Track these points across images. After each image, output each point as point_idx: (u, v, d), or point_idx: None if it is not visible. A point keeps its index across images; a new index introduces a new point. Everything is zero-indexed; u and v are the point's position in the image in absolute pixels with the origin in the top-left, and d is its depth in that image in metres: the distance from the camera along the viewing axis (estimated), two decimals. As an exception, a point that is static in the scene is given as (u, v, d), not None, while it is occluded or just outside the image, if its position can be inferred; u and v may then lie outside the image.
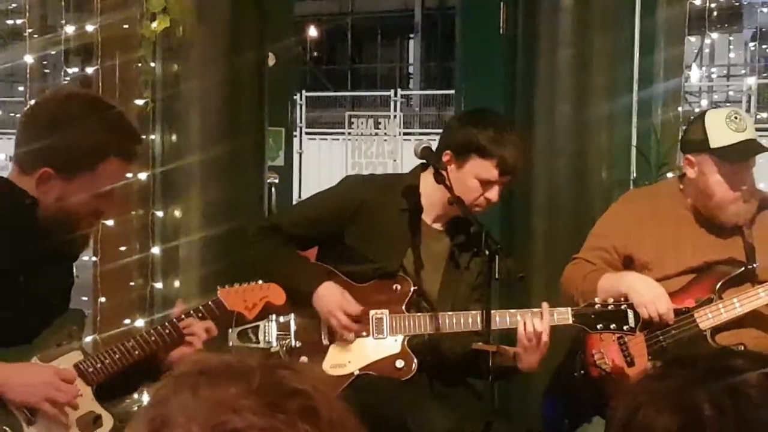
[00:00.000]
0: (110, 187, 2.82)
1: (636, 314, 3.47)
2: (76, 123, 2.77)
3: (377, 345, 3.54)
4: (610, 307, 3.46)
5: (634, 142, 5.43)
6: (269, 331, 3.54)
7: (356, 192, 3.64)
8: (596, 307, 3.47)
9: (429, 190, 3.59)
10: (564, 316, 3.47)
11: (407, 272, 3.58)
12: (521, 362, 3.44)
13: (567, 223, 4.96)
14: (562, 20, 5.12)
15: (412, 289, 3.54)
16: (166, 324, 2.98)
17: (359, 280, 3.58)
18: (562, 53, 5.11)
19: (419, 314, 3.53)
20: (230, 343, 3.49)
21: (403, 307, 3.55)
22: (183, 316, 3.00)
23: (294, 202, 7.32)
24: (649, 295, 3.56)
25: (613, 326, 3.46)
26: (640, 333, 3.62)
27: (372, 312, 3.54)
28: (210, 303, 3.08)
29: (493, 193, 3.53)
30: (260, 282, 3.19)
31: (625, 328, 3.46)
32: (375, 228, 3.57)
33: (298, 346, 3.54)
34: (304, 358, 3.52)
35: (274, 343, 3.53)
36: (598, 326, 3.46)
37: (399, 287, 3.55)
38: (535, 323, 3.40)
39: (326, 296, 3.50)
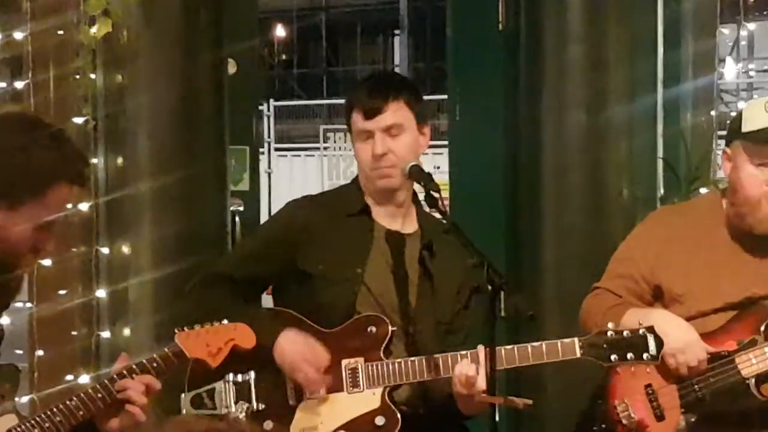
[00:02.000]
0: (54, 217, 2.84)
1: (658, 339, 3.47)
2: (19, 144, 2.80)
3: (352, 400, 3.55)
4: (625, 334, 3.46)
5: (659, 152, 5.46)
6: (227, 394, 3.54)
7: (298, 213, 3.73)
8: (609, 334, 3.47)
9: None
10: (570, 347, 3.48)
11: (371, 285, 3.61)
12: (460, 405, 3.50)
13: (581, 251, 4.97)
14: (572, 12, 5.15)
15: (390, 330, 3.56)
16: (98, 386, 2.96)
17: (327, 313, 3.59)
18: (571, 50, 5.15)
19: (400, 360, 3.54)
20: (183, 411, 3.49)
21: (381, 353, 3.57)
22: (125, 372, 2.99)
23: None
24: (680, 342, 3.58)
25: (630, 356, 3.45)
26: (672, 385, 3.63)
27: (344, 362, 3.56)
28: (167, 351, 3.07)
29: (375, 146, 3.62)
30: (225, 322, 3.19)
31: (645, 356, 3.45)
32: (327, 244, 3.64)
33: (261, 409, 3.54)
34: (269, 423, 3.52)
35: (234, 408, 3.53)
36: (612, 357, 3.46)
37: (374, 329, 3.57)
38: (463, 367, 3.44)
39: (288, 348, 3.51)
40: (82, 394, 2.95)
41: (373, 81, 3.84)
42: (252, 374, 3.54)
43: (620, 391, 3.69)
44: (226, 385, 3.53)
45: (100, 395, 2.95)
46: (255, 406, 3.53)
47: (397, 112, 3.62)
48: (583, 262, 4.82)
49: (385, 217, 3.71)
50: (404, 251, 3.68)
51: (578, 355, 3.48)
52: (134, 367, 3.01)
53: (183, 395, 3.48)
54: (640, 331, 3.46)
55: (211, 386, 3.51)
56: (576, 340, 3.48)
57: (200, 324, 3.14)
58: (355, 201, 3.71)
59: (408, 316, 3.65)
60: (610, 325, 3.49)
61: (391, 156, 3.61)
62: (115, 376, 2.98)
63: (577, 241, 5.05)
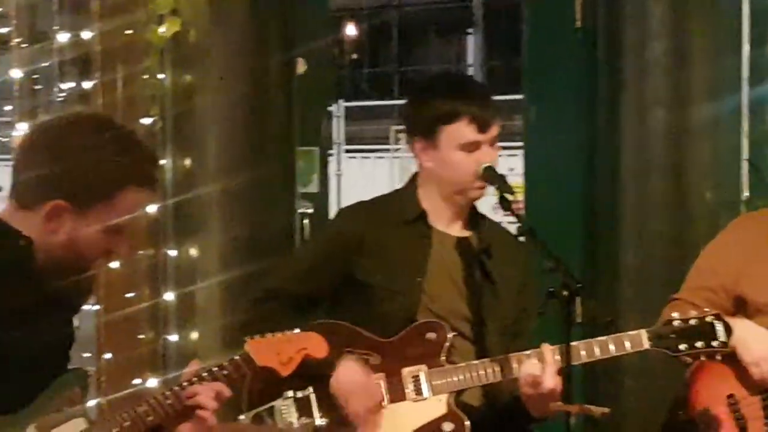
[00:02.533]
0: (121, 221, 2.88)
1: (726, 326, 3.48)
2: (90, 147, 2.85)
3: (417, 409, 3.56)
4: (692, 322, 3.50)
5: (744, 153, 5.42)
6: (288, 412, 3.57)
7: (352, 222, 3.75)
8: (676, 324, 3.51)
9: (426, 194, 3.73)
10: (638, 340, 3.50)
11: (431, 293, 3.63)
12: (529, 406, 3.50)
13: (662, 255, 4.96)
14: (653, 7, 5.14)
15: (450, 334, 3.58)
16: (167, 393, 3.00)
17: (386, 323, 3.62)
18: (652, 47, 5.13)
19: (463, 364, 3.56)
20: None
21: (442, 358, 3.59)
22: (195, 378, 3.03)
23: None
24: (764, 351, 3.59)
25: (699, 344, 3.48)
26: (755, 395, 3.63)
27: (405, 370, 3.58)
28: (236, 358, 3.09)
29: (486, 155, 3.61)
30: (297, 331, 3.21)
31: (714, 344, 3.48)
32: (384, 252, 3.66)
33: (323, 424, 3.58)
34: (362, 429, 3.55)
35: (296, 424, 3.56)
36: (681, 347, 3.49)
37: (434, 335, 3.59)
38: (529, 367, 3.45)
39: (344, 380, 3.53)
40: (151, 400, 2.99)
41: (479, 89, 3.79)
42: (311, 390, 3.56)
43: (701, 400, 3.69)
44: (287, 401, 3.57)
45: (169, 402, 2.98)
46: (317, 422, 3.56)
47: (498, 123, 3.66)
48: (664, 267, 4.81)
49: (442, 222, 3.73)
50: (463, 256, 3.71)
51: (646, 346, 3.50)
52: (203, 374, 3.04)
53: (242, 417, 3.51)
54: (707, 318, 3.50)
55: (269, 405, 3.54)
56: (644, 331, 3.51)
57: (271, 332, 3.16)
58: (411, 207, 3.73)
59: (471, 322, 3.68)
60: (674, 314, 3.51)
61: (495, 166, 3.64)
62: (184, 383, 3.02)
63: (657, 245, 5.03)
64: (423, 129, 3.67)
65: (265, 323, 3.49)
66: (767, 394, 3.65)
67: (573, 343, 3.45)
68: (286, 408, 3.55)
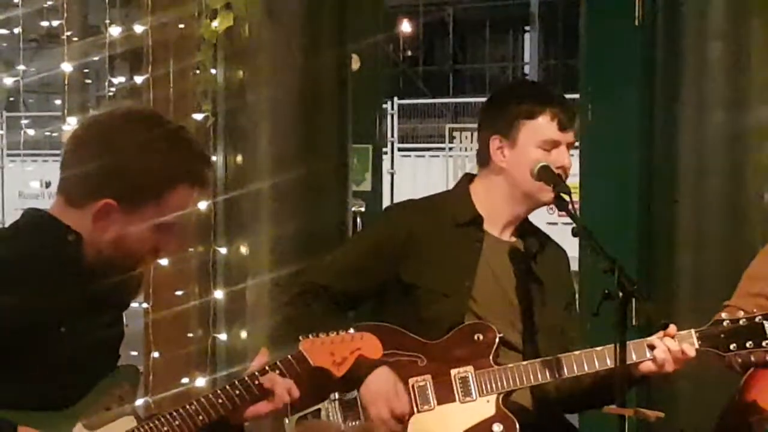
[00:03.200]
0: (171, 218, 2.89)
1: None
2: (140, 145, 2.86)
3: (466, 410, 3.56)
4: (741, 322, 3.51)
5: (805, 155, 5.37)
6: (334, 414, 3.57)
7: (401, 221, 3.74)
8: (725, 323, 3.52)
9: (483, 198, 3.72)
10: (687, 340, 3.51)
11: (478, 299, 3.62)
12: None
13: (719, 258, 4.93)
14: (713, 5, 5.11)
15: (497, 335, 3.58)
16: (237, 382, 3.02)
17: (432, 327, 3.61)
18: (713, 47, 5.10)
19: (512, 365, 3.56)
20: None
21: (491, 359, 3.59)
22: (256, 373, 3.04)
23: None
24: None
25: (749, 344, 3.49)
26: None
27: (453, 371, 3.58)
28: (290, 358, 3.10)
29: (563, 157, 3.63)
30: (351, 331, 3.21)
31: (764, 344, 3.49)
32: (434, 254, 3.66)
33: (371, 426, 3.57)
34: None
35: (343, 427, 3.56)
36: (731, 346, 3.50)
37: (481, 336, 3.60)
38: (670, 345, 3.47)
39: (374, 386, 3.52)
40: (219, 390, 3.00)
41: (560, 94, 3.81)
42: (356, 392, 3.56)
43: (755, 406, 3.68)
44: (333, 404, 3.56)
45: (245, 386, 2.99)
46: (365, 424, 3.56)
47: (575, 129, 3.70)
48: (721, 270, 4.78)
49: (496, 227, 3.72)
50: (513, 262, 3.71)
51: (696, 346, 3.51)
52: (257, 374, 3.04)
53: (287, 420, 3.51)
54: (756, 318, 3.50)
55: (316, 407, 3.54)
56: (693, 331, 3.52)
57: (316, 331, 3.17)
58: (465, 209, 3.72)
59: (518, 330, 3.68)
60: (723, 314, 3.53)
61: (568, 171, 3.66)
62: (256, 373, 3.03)
63: (714, 247, 5.01)
64: (502, 125, 3.67)
65: (309, 321, 3.52)
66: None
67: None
68: (332, 410, 3.56)
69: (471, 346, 3.60)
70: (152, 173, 2.85)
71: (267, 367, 3.05)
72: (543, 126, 3.62)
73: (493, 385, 3.56)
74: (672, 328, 3.49)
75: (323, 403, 3.55)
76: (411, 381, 3.58)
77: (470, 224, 3.70)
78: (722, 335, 3.50)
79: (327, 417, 3.55)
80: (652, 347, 3.50)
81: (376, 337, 3.22)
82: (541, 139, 3.62)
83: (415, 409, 3.57)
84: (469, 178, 3.81)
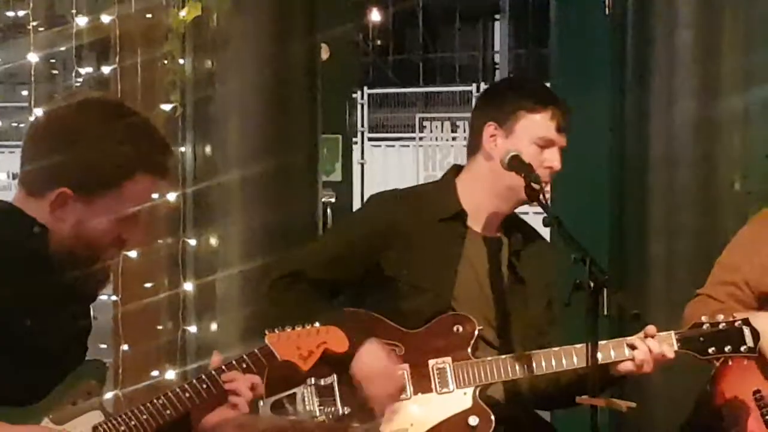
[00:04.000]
0: (135, 209, 2.87)
1: (754, 332, 3.52)
2: (97, 134, 2.83)
3: (443, 401, 3.57)
4: (721, 326, 3.54)
5: (774, 145, 5.39)
6: (309, 399, 3.56)
7: (384, 212, 3.73)
8: (705, 327, 3.54)
9: (469, 191, 3.70)
10: (666, 341, 3.52)
11: (458, 296, 3.62)
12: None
13: (690, 247, 4.95)
14: (683, -6, 5.11)
15: (476, 328, 3.58)
16: (203, 377, 3.01)
17: (411, 321, 3.61)
18: (683, 35, 5.10)
19: (490, 358, 3.56)
20: None
21: (469, 351, 3.58)
22: (223, 367, 3.03)
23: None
24: None
25: (728, 348, 3.52)
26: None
27: (431, 362, 3.57)
28: (256, 352, 3.09)
29: (555, 159, 3.66)
30: (317, 325, 3.21)
31: (742, 349, 3.52)
32: (415, 248, 3.64)
33: (346, 413, 3.56)
34: (356, 426, 3.55)
35: (317, 412, 3.55)
36: (710, 350, 3.53)
37: (460, 328, 3.60)
38: (652, 346, 3.47)
39: (367, 362, 3.52)
40: (186, 385, 2.98)
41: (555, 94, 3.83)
42: (335, 377, 3.55)
43: (727, 396, 3.69)
44: (309, 389, 3.56)
45: (205, 386, 2.98)
46: (340, 410, 3.55)
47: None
48: (693, 259, 4.80)
49: (479, 222, 3.71)
50: (494, 259, 3.70)
51: (675, 348, 3.53)
52: (223, 367, 3.03)
53: (261, 402, 3.49)
54: (736, 323, 3.53)
55: (291, 391, 3.53)
56: (672, 333, 3.54)
57: (291, 326, 3.16)
58: (449, 204, 3.71)
59: (495, 327, 3.68)
60: (703, 318, 3.55)
61: (553, 173, 3.69)
62: (223, 367, 3.02)
63: (685, 237, 5.02)
64: (500, 114, 3.67)
65: (289, 306, 3.52)
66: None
67: (602, 342, 3.46)
68: (308, 395, 3.55)
69: (450, 338, 3.60)
70: (109, 162, 2.83)
71: (234, 361, 3.04)
72: (542, 123, 3.63)
73: (472, 378, 3.56)
74: (651, 328, 3.50)
75: (299, 387, 3.54)
76: None
77: (453, 219, 3.69)
78: (701, 339, 3.53)
79: (302, 401, 3.54)
80: (632, 347, 3.51)
81: (341, 331, 3.22)
82: (537, 135, 3.62)
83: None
84: (456, 170, 3.80)
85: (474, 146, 3.71)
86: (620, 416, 3.64)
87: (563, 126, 3.66)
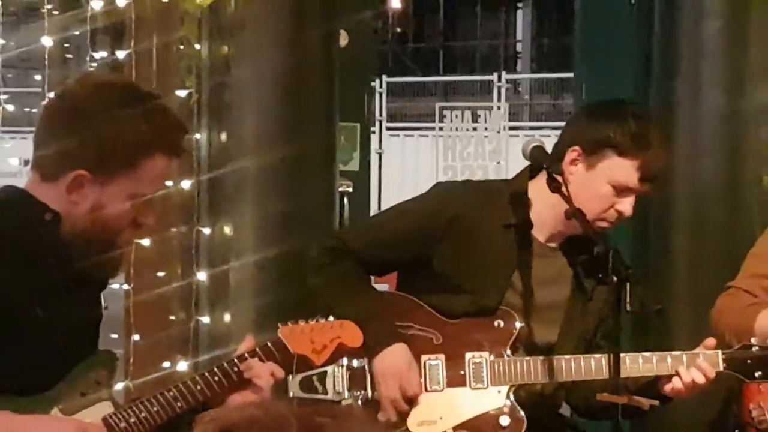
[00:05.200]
0: (149, 189, 2.86)
1: None
2: (113, 114, 2.83)
3: (476, 397, 3.54)
4: None
5: (803, 138, 5.36)
6: (340, 379, 3.55)
7: (448, 203, 3.65)
8: (754, 350, 3.48)
9: (541, 199, 3.58)
10: (712, 360, 3.46)
11: (512, 304, 3.57)
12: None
13: (716, 242, 4.92)
14: (710, -17, 5.08)
15: (517, 325, 3.54)
16: (215, 369, 3.00)
17: (447, 316, 3.59)
18: (710, 25, 5.08)
19: (528, 358, 3.52)
20: (290, 393, 3.50)
21: (508, 350, 3.55)
22: (236, 359, 3.03)
23: (372, 216, 7.36)
24: None
25: None
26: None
27: (468, 355, 3.54)
28: (269, 344, 3.09)
29: (627, 205, 3.53)
30: (331, 319, 3.20)
31: None
32: (472, 248, 3.58)
33: (376, 398, 3.55)
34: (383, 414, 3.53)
35: (346, 395, 3.54)
36: (757, 374, 3.47)
37: (502, 323, 3.55)
38: (693, 374, 3.41)
39: (390, 361, 3.50)
40: (197, 376, 2.98)
41: (663, 141, 3.65)
42: (367, 360, 3.54)
43: (755, 393, 3.67)
44: (340, 369, 3.54)
45: (216, 378, 2.98)
46: (369, 394, 3.54)
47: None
48: (718, 255, 4.78)
49: (544, 234, 3.62)
50: (556, 268, 3.64)
51: (721, 368, 3.47)
52: (235, 359, 3.03)
53: (290, 377, 3.48)
54: None
55: (322, 369, 3.51)
56: (720, 353, 3.48)
57: (305, 319, 3.16)
58: (517, 211, 3.59)
59: (553, 335, 3.62)
60: (753, 340, 3.49)
61: (622, 220, 3.58)
62: (235, 359, 3.02)
63: (711, 231, 4.99)
64: (590, 143, 3.53)
65: (329, 281, 3.51)
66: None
67: (645, 354, 3.43)
68: (338, 375, 3.54)
69: (490, 332, 3.56)
70: (125, 142, 2.83)
71: (246, 354, 3.04)
72: (627, 170, 3.49)
73: (507, 376, 3.52)
74: (711, 340, 3.45)
75: (330, 366, 3.52)
76: (423, 358, 3.56)
77: (518, 227, 3.59)
78: (749, 361, 3.47)
79: (332, 381, 3.52)
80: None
81: (355, 325, 3.22)
82: (617, 180, 3.49)
83: (424, 388, 3.54)
84: (530, 173, 3.64)
85: (554, 158, 3.55)
86: (642, 418, 3.60)
87: (649, 176, 3.52)
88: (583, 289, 3.63)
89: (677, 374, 3.44)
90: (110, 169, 2.83)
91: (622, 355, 3.35)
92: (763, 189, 5.04)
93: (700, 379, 3.41)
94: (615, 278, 3.21)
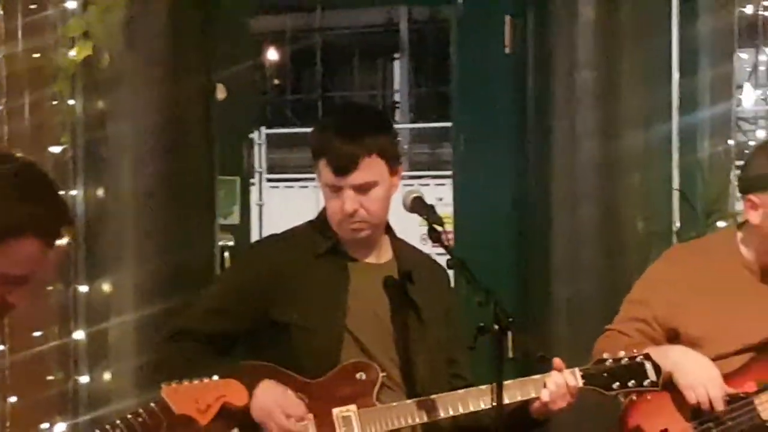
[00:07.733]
0: (17, 272, 2.75)
1: (656, 366, 3.53)
2: None
3: None
4: (624, 362, 3.55)
5: (675, 183, 5.46)
6: None
7: (262, 259, 3.68)
8: (607, 363, 3.55)
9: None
10: (571, 378, 3.52)
11: (353, 331, 3.58)
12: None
13: (594, 287, 4.99)
14: (582, 35, 5.17)
15: (380, 374, 3.55)
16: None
17: (309, 364, 3.56)
18: (583, 75, 5.16)
19: (396, 404, 3.53)
20: None
21: (374, 399, 3.55)
22: (128, 416, 2.96)
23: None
24: (699, 376, 3.65)
25: (631, 383, 3.53)
26: (690, 422, 3.68)
27: (336, 411, 3.53)
28: (152, 406, 3.05)
29: (348, 204, 3.55)
30: (215, 378, 3.17)
31: (645, 383, 3.54)
32: (298, 289, 3.60)
33: None
34: None
35: None
36: (614, 385, 3.54)
37: (364, 375, 3.56)
38: (566, 379, 3.47)
39: (261, 397, 3.46)
40: None
41: (344, 128, 3.61)
42: (236, 431, 3.50)
43: (641, 428, 3.71)
44: None
45: None
46: None
47: (370, 170, 3.54)
48: (597, 299, 4.84)
49: (358, 250, 3.65)
50: (384, 286, 3.65)
51: (580, 384, 3.52)
52: (118, 422, 2.97)
53: None
54: (638, 358, 3.55)
55: None
56: (576, 370, 3.53)
57: (188, 379, 3.11)
58: (322, 239, 3.64)
59: (399, 358, 3.63)
60: (605, 354, 3.56)
61: (362, 212, 3.56)
62: (117, 421, 2.95)
63: (589, 276, 5.06)
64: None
65: (179, 364, 3.45)
66: (702, 425, 3.69)
67: (508, 382, 3.45)
68: None
69: (353, 385, 3.55)
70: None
71: (129, 416, 2.98)
72: (324, 172, 3.58)
73: (377, 425, 3.52)
74: (558, 361, 3.51)
75: None
76: None
77: (330, 252, 3.64)
78: (605, 374, 3.54)
79: None
80: (544, 385, 3.51)
81: (240, 383, 3.18)
82: (323, 184, 3.60)
83: None
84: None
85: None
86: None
87: (339, 168, 3.54)
88: (414, 303, 3.64)
89: (544, 386, 3.48)
90: None
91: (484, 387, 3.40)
92: (638, 233, 5.12)
93: (562, 387, 3.47)
94: (497, 327, 3.23)
